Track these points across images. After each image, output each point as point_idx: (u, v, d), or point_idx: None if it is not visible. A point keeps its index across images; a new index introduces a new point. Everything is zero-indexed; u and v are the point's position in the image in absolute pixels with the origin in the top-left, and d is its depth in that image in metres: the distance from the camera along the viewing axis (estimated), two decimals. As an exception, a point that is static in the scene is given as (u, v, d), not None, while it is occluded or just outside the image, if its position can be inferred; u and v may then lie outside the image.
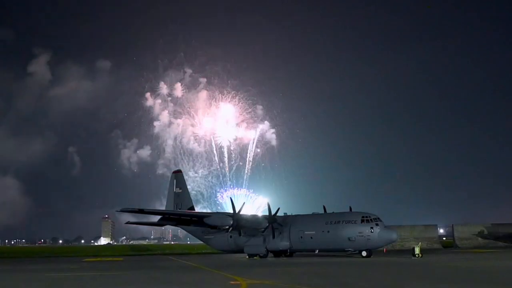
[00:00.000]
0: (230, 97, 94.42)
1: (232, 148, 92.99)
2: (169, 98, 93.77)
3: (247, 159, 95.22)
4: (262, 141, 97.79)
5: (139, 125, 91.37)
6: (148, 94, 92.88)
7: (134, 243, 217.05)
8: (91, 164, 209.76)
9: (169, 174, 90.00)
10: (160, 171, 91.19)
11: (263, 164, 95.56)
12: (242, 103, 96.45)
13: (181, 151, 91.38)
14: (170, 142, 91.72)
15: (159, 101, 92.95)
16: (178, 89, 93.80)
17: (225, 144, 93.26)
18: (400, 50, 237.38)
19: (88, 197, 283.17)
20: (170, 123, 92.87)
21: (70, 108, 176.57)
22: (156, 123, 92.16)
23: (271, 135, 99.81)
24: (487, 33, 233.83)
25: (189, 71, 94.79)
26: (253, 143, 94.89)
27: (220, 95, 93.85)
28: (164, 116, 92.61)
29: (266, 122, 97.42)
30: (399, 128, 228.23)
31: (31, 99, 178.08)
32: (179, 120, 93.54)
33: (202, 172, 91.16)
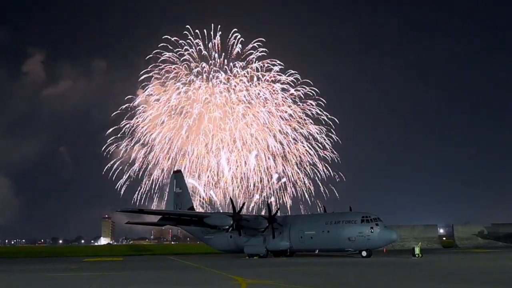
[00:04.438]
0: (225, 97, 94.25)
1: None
2: (163, 98, 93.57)
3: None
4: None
5: (132, 125, 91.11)
6: (141, 94, 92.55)
7: (134, 243, 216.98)
8: (85, 164, 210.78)
9: (162, 174, 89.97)
10: (153, 171, 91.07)
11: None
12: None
13: (175, 151, 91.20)
14: (163, 142, 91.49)
15: (152, 100, 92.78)
16: (172, 88, 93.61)
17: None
18: (406, 47, 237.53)
19: (86, 197, 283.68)
20: (163, 123, 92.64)
21: (64, 107, 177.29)
22: (149, 123, 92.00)
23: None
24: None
25: (184, 70, 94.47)
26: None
27: (215, 95, 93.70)
28: (158, 116, 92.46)
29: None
30: (399, 128, 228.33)
31: (25, 98, 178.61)
32: (173, 120, 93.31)
33: (199, 167, 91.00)
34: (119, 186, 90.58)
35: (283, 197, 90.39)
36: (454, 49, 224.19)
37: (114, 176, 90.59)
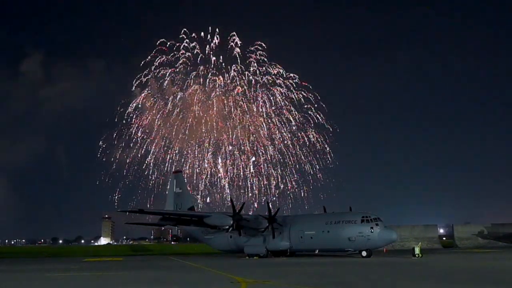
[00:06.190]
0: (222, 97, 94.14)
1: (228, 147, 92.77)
2: (160, 101, 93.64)
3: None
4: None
5: (130, 125, 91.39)
6: (138, 96, 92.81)
7: (134, 243, 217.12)
8: (85, 163, 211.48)
9: (159, 176, 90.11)
10: (150, 171, 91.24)
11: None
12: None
13: (172, 154, 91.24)
14: (160, 145, 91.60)
15: (151, 100, 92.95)
16: (169, 92, 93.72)
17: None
18: (399, 49, 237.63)
19: (87, 197, 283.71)
20: (160, 123, 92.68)
21: (62, 107, 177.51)
22: (147, 123, 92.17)
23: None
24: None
25: (181, 74, 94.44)
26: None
27: (212, 99, 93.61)
28: (156, 116, 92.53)
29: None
30: (399, 128, 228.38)
31: (23, 98, 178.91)
32: (170, 119, 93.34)
33: (196, 170, 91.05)
34: (119, 187, 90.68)
35: (282, 204, 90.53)
36: (453, 51, 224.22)
37: (114, 176, 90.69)
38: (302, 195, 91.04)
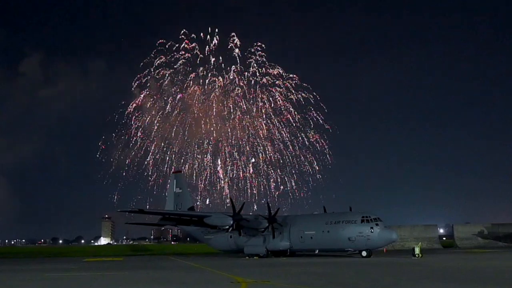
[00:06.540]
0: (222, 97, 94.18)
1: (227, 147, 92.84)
2: (161, 98, 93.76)
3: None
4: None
5: (129, 125, 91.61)
6: (138, 93, 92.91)
7: (134, 243, 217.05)
8: (85, 164, 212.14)
9: (159, 176, 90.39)
10: (150, 171, 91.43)
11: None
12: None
13: (171, 154, 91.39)
14: (159, 145, 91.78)
15: (150, 100, 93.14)
16: (169, 89, 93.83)
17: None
18: (404, 49, 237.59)
19: (87, 197, 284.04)
20: (160, 123, 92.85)
21: (62, 108, 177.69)
22: (146, 123, 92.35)
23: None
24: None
25: (181, 76, 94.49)
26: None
27: (211, 99, 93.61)
28: (155, 116, 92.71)
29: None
30: (399, 129, 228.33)
31: (22, 99, 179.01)
32: (170, 120, 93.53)
33: (196, 171, 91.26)
34: (118, 187, 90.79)
35: (282, 204, 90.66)
36: (453, 51, 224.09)
37: (114, 177, 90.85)
38: (302, 195, 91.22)
